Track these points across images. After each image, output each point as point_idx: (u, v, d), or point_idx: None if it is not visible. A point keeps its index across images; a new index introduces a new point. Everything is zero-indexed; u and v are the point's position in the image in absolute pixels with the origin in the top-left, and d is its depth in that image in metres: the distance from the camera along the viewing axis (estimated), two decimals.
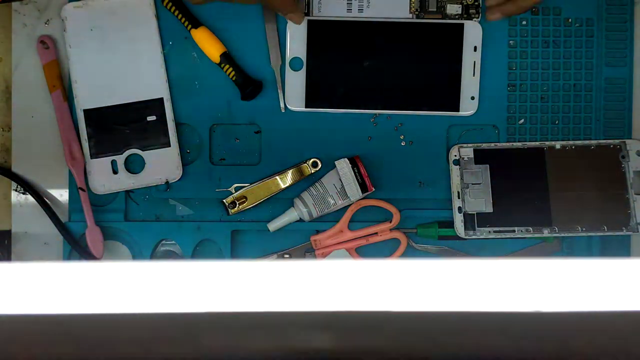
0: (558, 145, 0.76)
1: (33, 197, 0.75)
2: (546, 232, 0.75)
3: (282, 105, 0.75)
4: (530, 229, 0.74)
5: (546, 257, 0.76)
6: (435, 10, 0.76)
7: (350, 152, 0.76)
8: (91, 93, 0.75)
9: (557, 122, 0.76)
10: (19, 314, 0.35)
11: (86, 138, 0.75)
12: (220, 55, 0.74)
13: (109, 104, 0.75)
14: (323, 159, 0.76)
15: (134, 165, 0.76)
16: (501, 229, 0.75)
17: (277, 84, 0.75)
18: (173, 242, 0.77)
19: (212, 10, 0.75)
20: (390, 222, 0.76)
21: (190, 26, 0.74)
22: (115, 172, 0.76)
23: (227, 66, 0.74)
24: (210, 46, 0.74)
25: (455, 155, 0.75)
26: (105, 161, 0.75)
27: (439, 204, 0.76)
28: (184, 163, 0.76)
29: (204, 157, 0.76)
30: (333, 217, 0.76)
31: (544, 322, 0.38)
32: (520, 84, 0.76)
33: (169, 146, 0.75)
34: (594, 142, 0.76)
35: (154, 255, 0.76)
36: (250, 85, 0.74)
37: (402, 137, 0.76)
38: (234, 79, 0.74)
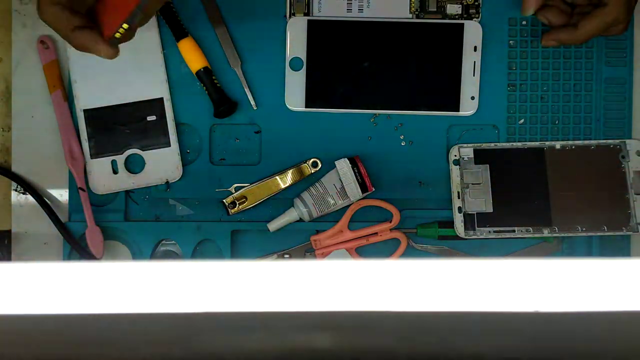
0: (558, 145, 0.76)
1: (33, 197, 0.75)
2: (546, 232, 0.74)
3: (252, 103, 0.75)
4: (530, 229, 0.74)
5: (546, 257, 0.76)
6: (435, 10, 0.76)
7: (350, 152, 0.76)
8: (91, 93, 0.75)
9: (557, 122, 0.76)
10: (19, 314, 0.35)
11: (86, 138, 0.75)
12: (197, 72, 0.74)
13: (109, 104, 0.75)
14: (323, 159, 0.76)
15: (134, 165, 0.76)
16: (501, 229, 0.75)
17: (243, 84, 0.75)
18: (173, 242, 0.77)
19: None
20: (390, 222, 0.76)
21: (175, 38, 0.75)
22: (115, 172, 0.76)
23: (201, 84, 0.74)
24: (191, 60, 0.74)
25: (455, 155, 0.75)
26: (105, 161, 0.75)
27: (439, 204, 0.76)
28: (184, 163, 0.76)
29: (204, 157, 0.76)
30: (333, 217, 0.76)
31: (544, 322, 0.38)
32: (520, 84, 0.76)
33: (169, 146, 0.75)
34: (594, 142, 0.76)
35: (154, 255, 0.76)
36: (223, 105, 0.74)
37: (402, 137, 0.76)
38: (210, 95, 0.75)
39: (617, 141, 0.76)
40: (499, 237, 0.75)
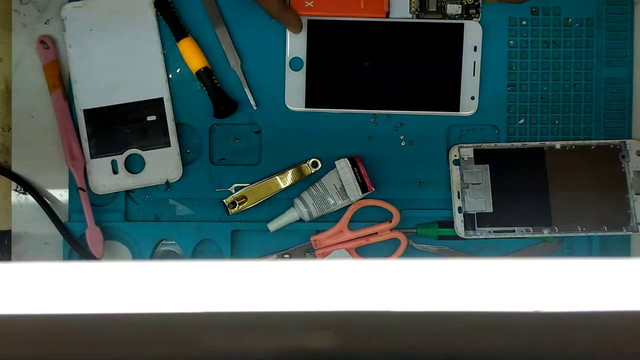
0: (558, 145, 0.76)
1: (33, 197, 0.75)
2: (546, 232, 0.75)
3: (252, 103, 0.75)
4: (530, 229, 0.75)
5: (546, 257, 0.76)
6: (435, 10, 0.76)
7: (350, 152, 0.76)
8: (91, 93, 0.75)
9: (557, 122, 0.76)
10: (19, 314, 0.35)
11: (86, 138, 0.75)
12: (197, 72, 0.74)
13: (109, 104, 0.75)
14: (323, 159, 0.76)
15: (134, 165, 0.76)
16: (501, 229, 0.75)
17: (243, 84, 0.75)
18: (173, 242, 0.77)
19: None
20: (390, 222, 0.76)
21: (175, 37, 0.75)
22: (115, 172, 0.76)
23: (201, 84, 0.74)
24: (191, 60, 0.74)
25: (455, 155, 0.75)
26: (105, 161, 0.76)
27: (439, 204, 0.76)
28: (184, 163, 0.76)
29: (204, 157, 0.76)
30: (333, 217, 0.76)
31: (544, 322, 0.38)
32: (520, 84, 0.76)
33: (169, 146, 0.76)
34: (594, 142, 0.76)
35: (154, 255, 0.76)
36: (223, 105, 0.74)
37: (402, 137, 0.76)
38: (210, 95, 0.75)
39: (617, 141, 0.76)
40: (499, 237, 0.75)
